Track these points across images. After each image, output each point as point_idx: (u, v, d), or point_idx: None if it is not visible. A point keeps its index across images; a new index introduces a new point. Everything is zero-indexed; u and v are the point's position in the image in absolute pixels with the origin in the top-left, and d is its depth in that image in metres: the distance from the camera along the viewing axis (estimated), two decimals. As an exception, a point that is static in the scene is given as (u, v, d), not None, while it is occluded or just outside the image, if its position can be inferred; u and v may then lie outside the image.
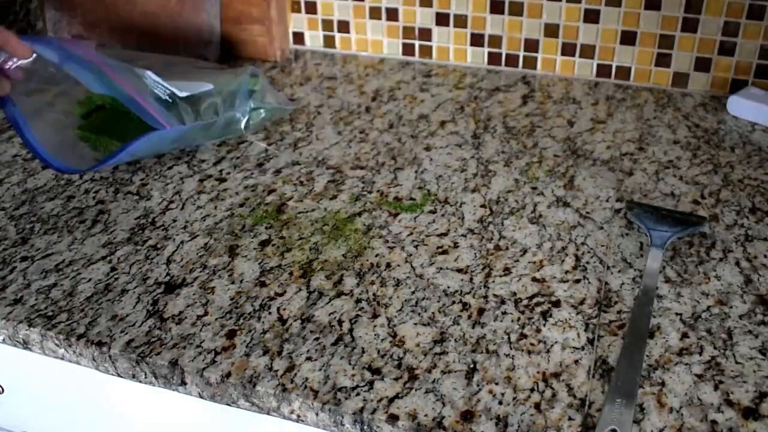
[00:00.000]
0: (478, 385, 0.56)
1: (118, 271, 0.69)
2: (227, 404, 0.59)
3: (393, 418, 0.54)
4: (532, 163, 0.83)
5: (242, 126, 0.88)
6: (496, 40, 1.03)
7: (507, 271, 0.67)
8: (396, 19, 1.06)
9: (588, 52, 1.00)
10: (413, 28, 1.06)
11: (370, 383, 0.56)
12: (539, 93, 0.99)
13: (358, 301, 0.64)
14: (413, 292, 0.65)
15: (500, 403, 0.55)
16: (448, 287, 0.66)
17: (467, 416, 0.54)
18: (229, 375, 0.57)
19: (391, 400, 0.55)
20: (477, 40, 1.04)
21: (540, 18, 0.99)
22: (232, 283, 0.67)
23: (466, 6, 1.02)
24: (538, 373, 0.57)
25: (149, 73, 0.79)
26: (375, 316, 0.63)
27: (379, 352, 0.59)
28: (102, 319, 0.63)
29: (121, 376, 0.62)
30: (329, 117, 0.94)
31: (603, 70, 1.01)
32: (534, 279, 0.66)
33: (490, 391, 0.56)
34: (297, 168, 0.84)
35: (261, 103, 0.90)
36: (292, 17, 1.11)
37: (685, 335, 0.60)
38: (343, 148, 0.88)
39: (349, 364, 0.58)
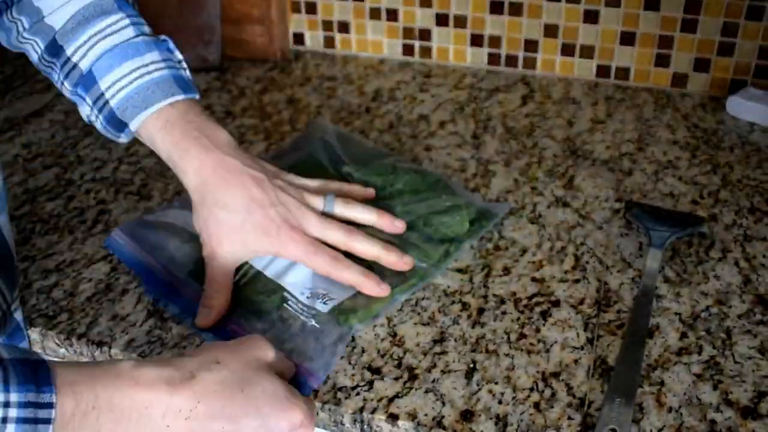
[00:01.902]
0: (477, 385, 0.56)
1: (118, 270, 0.69)
2: (228, 404, 0.59)
3: (393, 418, 0.54)
4: (532, 163, 0.84)
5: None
6: (495, 41, 1.03)
7: (506, 271, 0.68)
8: (396, 19, 1.06)
9: (588, 52, 1.00)
10: (413, 29, 1.06)
11: (370, 383, 0.57)
12: (539, 93, 0.99)
13: (358, 300, 0.64)
14: (413, 292, 0.65)
15: (500, 402, 0.55)
16: (448, 287, 0.66)
17: (467, 416, 0.54)
18: (229, 374, 0.58)
19: (390, 400, 0.55)
20: (477, 41, 1.04)
21: (540, 18, 0.99)
22: (233, 283, 0.67)
23: (466, 6, 1.02)
24: (537, 372, 0.57)
25: None
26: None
27: (379, 351, 0.59)
28: (103, 319, 0.63)
29: (122, 376, 0.62)
30: (329, 117, 0.94)
31: (602, 71, 1.01)
32: (533, 279, 0.67)
33: (490, 391, 0.56)
34: (297, 168, 0.84)
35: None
36: (293, 18, 1.11)
37: (684, 335, 0.60)
38: (343, 149, 0.88)
39: (349, 363, 0.58)
